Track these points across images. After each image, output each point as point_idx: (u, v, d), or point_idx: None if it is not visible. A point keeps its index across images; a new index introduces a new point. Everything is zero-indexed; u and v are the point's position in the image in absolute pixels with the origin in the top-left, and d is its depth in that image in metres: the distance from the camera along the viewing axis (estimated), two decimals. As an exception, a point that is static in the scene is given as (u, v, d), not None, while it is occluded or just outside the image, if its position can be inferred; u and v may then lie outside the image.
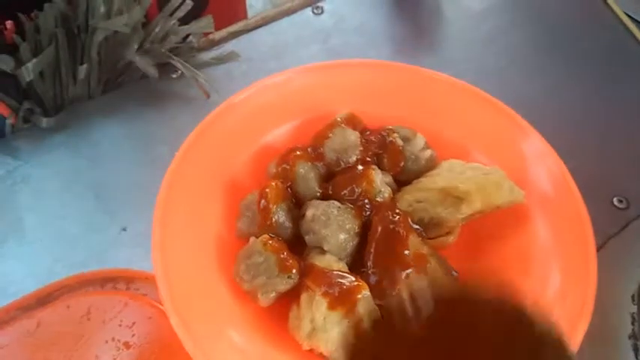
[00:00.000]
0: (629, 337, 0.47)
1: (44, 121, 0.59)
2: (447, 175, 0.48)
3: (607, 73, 0.68)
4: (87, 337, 0.44)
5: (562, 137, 0.51)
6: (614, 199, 0.56)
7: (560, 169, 0.49)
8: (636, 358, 0.46)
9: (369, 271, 0.44)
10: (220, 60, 0.66)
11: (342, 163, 0.49)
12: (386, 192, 0.47)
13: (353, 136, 0.50)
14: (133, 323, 0.45)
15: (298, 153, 0.50)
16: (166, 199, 0.46)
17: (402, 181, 0.51)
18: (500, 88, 0.55)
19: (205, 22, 0.65)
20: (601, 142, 0.61)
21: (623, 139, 0.62)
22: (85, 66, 0.58)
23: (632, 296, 0.49)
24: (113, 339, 0.44)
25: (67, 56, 0.58)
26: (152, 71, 0.61)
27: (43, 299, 0.47)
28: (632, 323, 0.47)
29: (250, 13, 0.80)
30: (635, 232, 0.54)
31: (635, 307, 0.48)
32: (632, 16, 0.75)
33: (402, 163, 0.50)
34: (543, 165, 0.50)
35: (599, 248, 0.48)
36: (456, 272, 0.46)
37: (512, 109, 0.53)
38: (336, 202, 0.46)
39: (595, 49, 0.71)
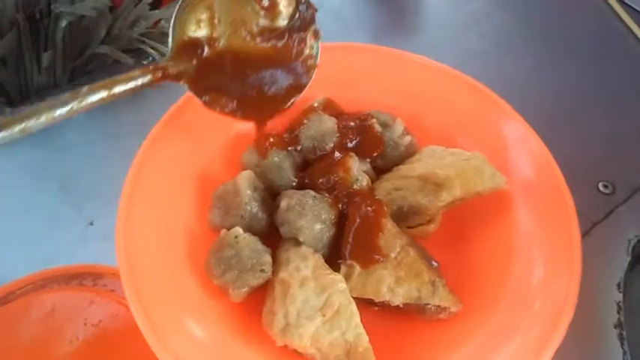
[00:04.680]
0: (615, 327, 0.46)
1: (8, 111, 0.56)
2: (427, 161, 0.47)
3: (593, 56, 0.67)
4: (50, 336, 0.42)
5: (546, 121, 0.49)
6: (600, 184, 0.55)
7: (543, 153, 0.47)
8: (622, 347, 0.45)
9: (347, 263, 0.42)
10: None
11: (319, 151, 0.48)
12: (363, 180, 0.46)
13: (330, 122, 0.48)
14: (99, 321, 0.43)
15: (272, 140, 0.48)
16: (132, 189, 0.43)
17: (381, 168, 0.49)
18: (483, 72, 0.53)
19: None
20: (586, 125, 0.60)
21: (609, 122, 0.60)
22: (48, 53, 0.55)
23: (618, 284, 0.47)
24: (78, 338, 0.42)
25: (29, 43, 0.55)
26: (127, 59, 0.59)
27: (5, 297, 0.45)
28: (618, 312, 0.46)
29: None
30: (621, 218, 0.53)
31: (621, 295, 0.47)
32: (619, -2, 0.73)
33: (381, 148, 0.48)
34: (526, 150, 0.48)
35: (583, 235, 0.47)
36: (437, 262, 0.45)
37: (495, 93, 0.51)
38: (311, 192, 0.44)
39: (581, 32, 0.69)
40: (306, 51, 0.43)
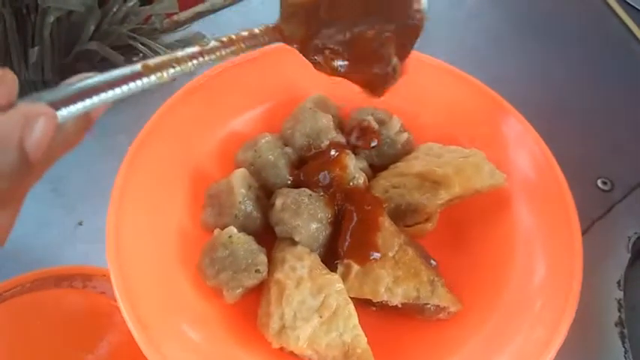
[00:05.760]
0: (616, 325, 0.45)
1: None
2: (425, 159, 0.46)
3: (589, 52, 0.66)
4: (39, 338, 0.41)
5: (544, 118, 0.48)
6: (599, 181, 0.54)
7: (542, 150, 0.46)
8: (623, 345, 0.44)
9: (344, 262, 0.41)
10: (185, 42, 0.62)
11: (314, 149, 0.47)
12: (360, 178, 0.45)
13: (325, 119, 0.47)
14: (90, 323, 0.41)
15: (267, 138, 0.47)
16: (123, 188, 0.42)
17: (377, 166, 0.48)
18: (480, 68, 0.52)
19: (168, 3, 0.61)
20: (584, 122, 0.59)
21: (607, 118, 0.60)
22: (36, 49, 0.53)
23: (618, 282, 0.47)
24: (67, 341, 0.41)
25: (16, 38, 0.54)
26: (116, 57, 0.57)
27: (-7, 299, 0.43)
28: (619, 310, 0.45)
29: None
30: (620, 214, 0.52)
31: (622, 292, 0.46)
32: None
33: (376, 142, 0.47)
34: (525, 147, 0.47)
35: (583, 232, 0.46)
36: (435, 261, 0.44)
37: (493, 90, 0.51)
38: (307, 190, 0.43)
39: (577, 28, 0.69)
40: (415, 5, 0.41)
